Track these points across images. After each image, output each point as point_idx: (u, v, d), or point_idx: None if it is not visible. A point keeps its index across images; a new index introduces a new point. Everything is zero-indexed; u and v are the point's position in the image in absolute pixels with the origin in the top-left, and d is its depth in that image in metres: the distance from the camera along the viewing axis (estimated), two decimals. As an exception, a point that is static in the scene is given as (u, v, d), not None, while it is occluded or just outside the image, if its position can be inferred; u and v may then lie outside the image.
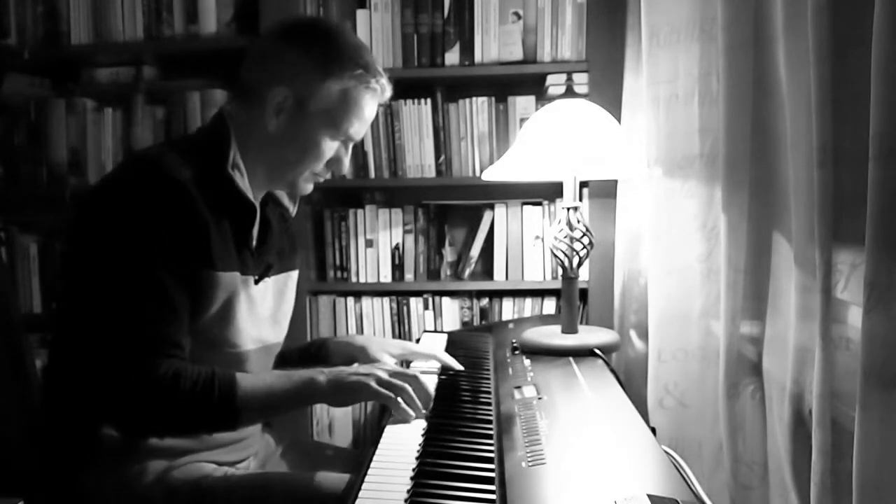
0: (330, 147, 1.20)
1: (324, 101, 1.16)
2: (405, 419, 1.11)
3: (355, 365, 1.23)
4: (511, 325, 1.77)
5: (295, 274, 1.35)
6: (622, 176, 1.78)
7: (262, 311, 1.24)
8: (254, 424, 1.25)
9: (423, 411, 1.13)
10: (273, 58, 1.18)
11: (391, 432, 1.08)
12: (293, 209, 1.35)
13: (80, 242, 1.08)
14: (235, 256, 1.15)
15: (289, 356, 1.39)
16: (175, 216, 1.05)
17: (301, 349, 1.44)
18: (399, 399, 1.12)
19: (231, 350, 1.16)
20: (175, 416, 1.05)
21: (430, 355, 1.39)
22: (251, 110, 1.17)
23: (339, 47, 1.18)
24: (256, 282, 1.21)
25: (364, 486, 0.89)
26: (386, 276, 2.12)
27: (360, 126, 1.21)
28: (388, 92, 1.24)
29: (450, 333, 1.77)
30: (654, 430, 1.04)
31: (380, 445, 1.02)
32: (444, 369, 1.38)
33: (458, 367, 1.37)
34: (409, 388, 1.12)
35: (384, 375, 1.13)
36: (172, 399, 1.02)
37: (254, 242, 1.20)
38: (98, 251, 1.05)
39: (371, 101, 1.21)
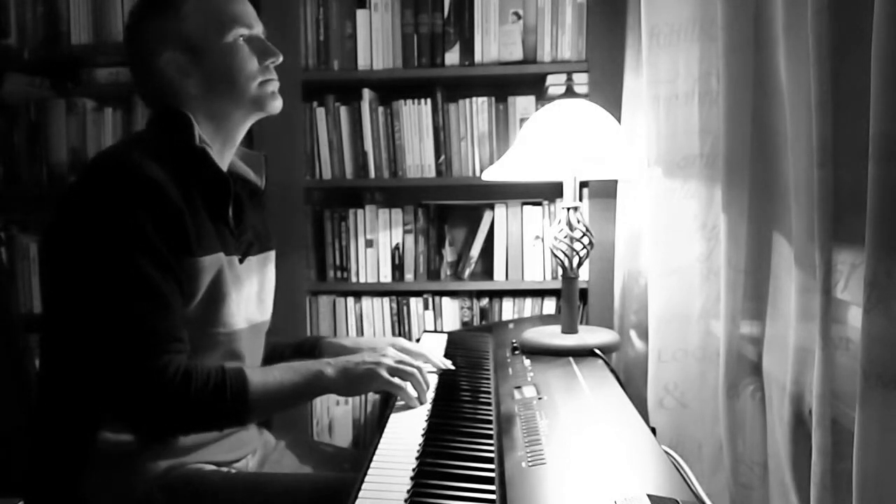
0: (244, 49, 1.18)
1: (196, 26, 1.15)
2: (412, 405, 1.16)
3: (360, 353, 1.23)
4: (511, 325, 1.77)
5: (273, 254, 1.35)
6: (622, 176, 1.78)
7: (249, 289, 1.24)
8: (264, 418, 1.25)
9: (427, 398, 1.18)
10: (137, 44, 1.19)
11: (392, 431, 1.08)
12: (261, 182, 1.34)
13: (63, 249, 1.07)
14: (216, 237, 1.15)
15: (282, 351, 1.39)
16: (150, 210, 1.05)
17: (294, 346, 1.44)
18: (408, 384, 1.17)
19: (224, 330, 1.16)
20: (189, 416, 1.06)
21: (420, 354, 1.39)
22: (169, 91, 1.17)
23: None
24: (241, 261, 1.21)
25: (364, 486, 0.89)
26: (386, 276, 2.12)
27: (242, 13, 1.19)
28: None
29: (450, 333, 1.77)
30: (654, 430, 1.04)
31: (380, 445, 1.02)
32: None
33: (448, 366, 1.36)
34: (418, 374, 1.18)
35: (392, 363, 1.17)
36: (185, 400, 1.03)
37: (231, 220, 1.20)
38: (80, 258, 1.04)
39: None
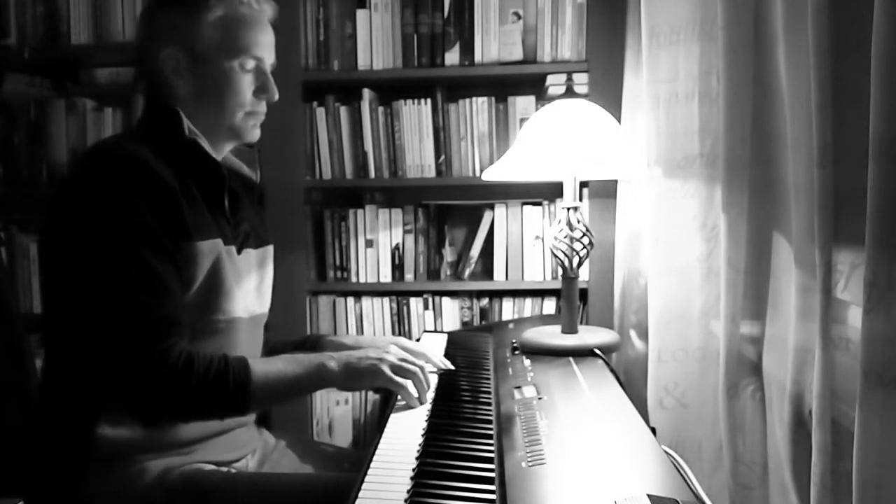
0: (244, 78, 1.19)
1: (209, 37, 1.16)
2: (412, 405, 1.16)
3: (363, 350, 1.24)
4: (511, 325, 1.77)
5: (271, 249, 1.36)
6: (622, 176, 1.78)
7: (248, 281, 1.25)
8: (265, 409, 1.25)
9: (428, 397, 1.19)
10: (149, 29, 1.19)
11: (392, 431, 1.08)
12: (256, 176, 1.35)
13: (60, 240, 1.08)
14: (213, 225, 1.16)
15: (282, 348, 1.39)
16: (144, 195, 1.06)
17: (295, 343, 1.45)
18: (409, 382, 1.17)
19: (223, 318, 1.17)
20: (190, 402, 1.06)
21: (421, 353, 1.39)
22: (162, 86, 1.18)
23: None
24: (238, 251, 1.22)
25: (364, 486, 0.89)
26: (386, 276, 2.12)
27: (258, 44, 1.19)
28: (266, 5, 1.22)
29: (450, 333, 1.77)
30: (654, 430, 1.04)
31: (380, 445, 1.02)
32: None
33: (448, 366, 1.36)
34: (420, 373, 1.18)
35: (395, 360, 1.18)
36: (187, 385, 1.04)
37: (227, 210, 1.21)
38: (78, 246, 1.05)
39: (252, 15, 1.19)
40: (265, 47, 1.21)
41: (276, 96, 1.23)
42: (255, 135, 1.25)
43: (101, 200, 1.05)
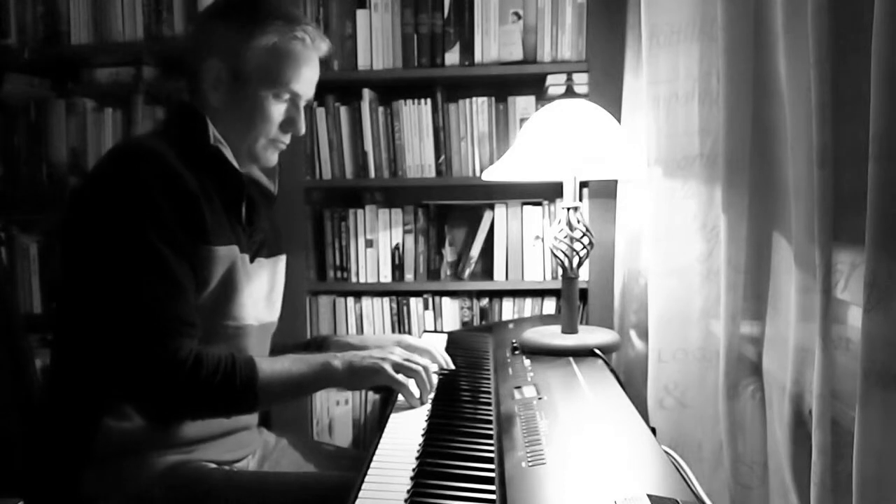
0: (277, 108, 1.21)
1: (255, 61, 1.17)
2: (413, 404, 1.17)
3: (368, 350, 1.24)
4: (511, 325, 1.77)
5: (284, 258, 1.38)
6: (622, 176, 1.78)
7: (259, 289, 1.26)
8: (271, 407, 1.26)
9: (429, 397, 1.20)
10: (200, 35, 1.21)
11: (392, 431, 1.08)
12: (274, 188, 1.36)
13: (79, 235, 1.09)
14: (230, 231, 1.17)
15: (290, 352, 1.40)
16: (167, 193, 1.07)
17: (302, 345, 1.46)
18: (412, 381, 1.18)
19: (234, 323, 1.18)
20: (198, 400, 1.07)
21: (426, 350, 1.39)
22: (196, 92, 1.20)
23: (256, 6, 1.19)
24: (252, 260, 1.23)
25: (364, 486, 0.89)
26: (386, 276, 2.12)
27: (300, 80, 1.21)
28: (322, 43, 1.23)
29: (450, 333, 1.77)
30: (654, 430, 1.04)
31: (380, 445, 1.02)
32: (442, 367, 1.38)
33: (451, 366, 1.36)
34: (423, 372, 1.19)
35: (398, 359, 1.19)
36: (195, 384, 1.05)
37: (244, 219, 1.22)
38: (98, 240, 1.06)
39: (303, 52, 1.20)
40: (306, 84, 1.22)
41: (303, 131, 1.25)
42: (272, 161, 1.27)
43: (122, 196, 1.06)
